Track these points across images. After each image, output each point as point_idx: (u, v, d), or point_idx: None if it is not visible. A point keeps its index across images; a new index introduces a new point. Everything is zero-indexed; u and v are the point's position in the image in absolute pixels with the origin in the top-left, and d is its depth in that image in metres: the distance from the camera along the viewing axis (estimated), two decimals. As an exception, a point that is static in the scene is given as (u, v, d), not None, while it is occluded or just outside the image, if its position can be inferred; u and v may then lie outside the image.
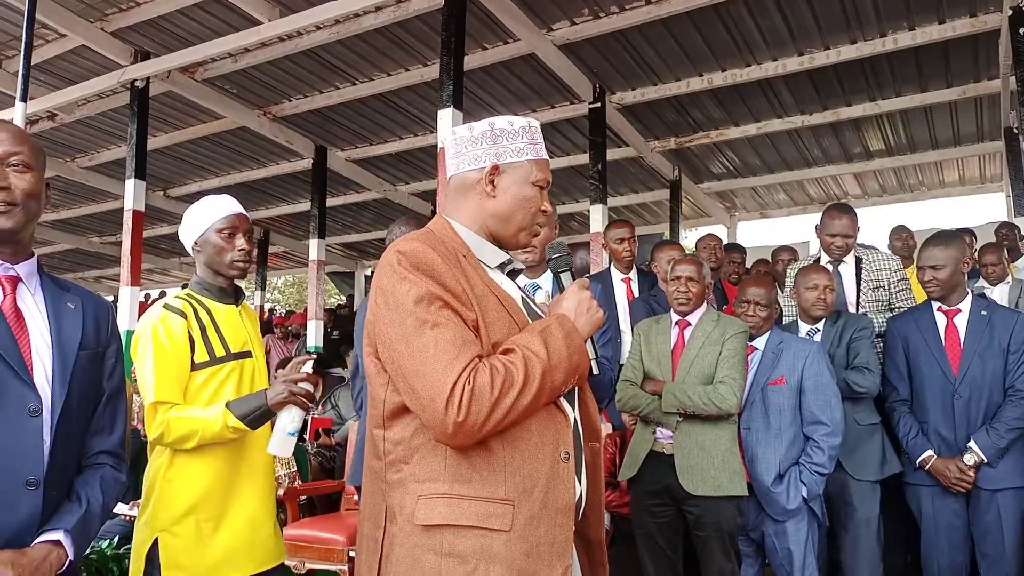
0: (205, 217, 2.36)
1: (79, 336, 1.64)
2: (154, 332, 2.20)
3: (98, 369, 1.69)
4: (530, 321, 1.53)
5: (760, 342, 3.40)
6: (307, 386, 2.19)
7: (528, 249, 2.65)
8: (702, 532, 3.01)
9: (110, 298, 15.49)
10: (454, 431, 1.33)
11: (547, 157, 1.64)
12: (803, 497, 3.15)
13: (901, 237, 6.36)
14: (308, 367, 2.23)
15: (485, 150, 1.58)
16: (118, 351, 1.77)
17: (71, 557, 1.54)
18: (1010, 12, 5.63)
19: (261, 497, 2.30)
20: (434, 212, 7.47)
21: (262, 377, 2.36)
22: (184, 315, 2.24)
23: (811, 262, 4.47)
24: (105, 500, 1.67)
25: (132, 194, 7.02)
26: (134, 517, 3.71)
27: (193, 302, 2.31)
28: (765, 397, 3.27)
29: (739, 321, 3.29)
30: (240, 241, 2.35)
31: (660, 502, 3.10)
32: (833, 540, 3.50)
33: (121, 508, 3.81)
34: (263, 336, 3.07)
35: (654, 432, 3.14)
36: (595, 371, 1.56)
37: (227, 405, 2.15)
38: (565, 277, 1.67)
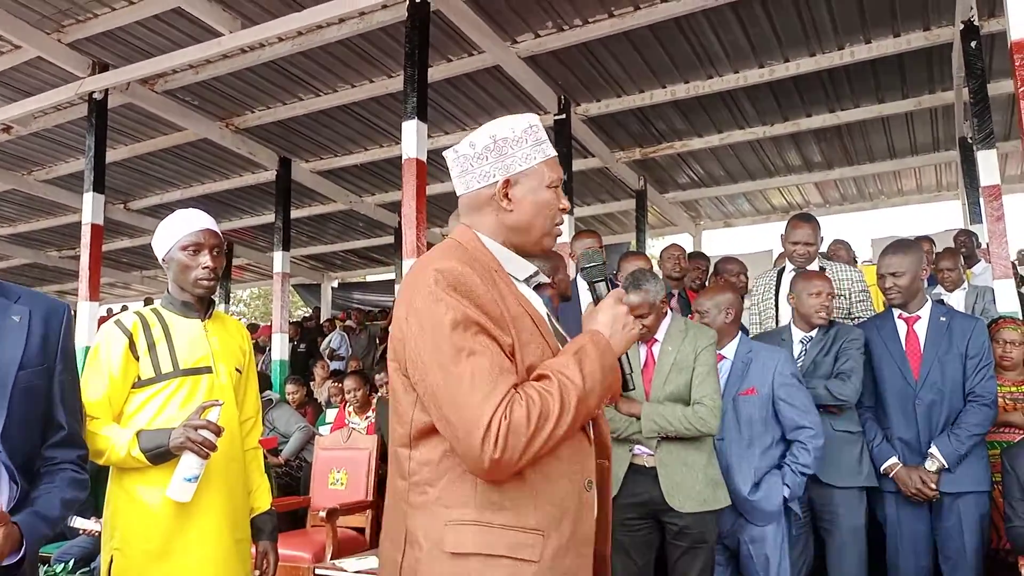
0: (171, 234, 2.34)
1: (19, 355, 1.60)
2: (95, 349, 2.25)
3: (46, 381, 1.66)
4: (557, 341, 1.49)
5: (729, 351, 3.35)
6: (208, 434, 2.11)
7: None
8: (683, 543, 2.96)
9: (69, 313, 15.15)
10: (490, 467, 1.28)
11: (555, 153, 1.59)
12: (784, 498, 3.13)
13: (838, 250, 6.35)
14: (214, 414, 2.16)
15: (492, 164, 1.52)
16: (69, 356, 1.74)
17: (26, 539, 1.51)
18: (962, 26, 5.80)
19: (223, 514, 2.26)
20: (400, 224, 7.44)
21: (223, 393, 2.32)
22: (129, 333, 2.23)
23: (773, 270, 4.55)
24: (65, 496, 1.65)
25: (90, 208, 6.87)
26: (95, 534, 3.64)
27: (151, 317, 2.30)
28: (737, 407, 3.23)
29: (707, 329, 3.21)
30: (204, 258, 2.32)
31: (637, 516, 3.01)
32: (819, 548, 3.50)
33: (84, 523, 3.72)
34: None
35: (631, 449, 3.08)
36: (630, 387, 1.53)
37: (137, 434, 2.13)
38: (600, 287, 1.60)
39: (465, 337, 1.33)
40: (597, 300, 1.56)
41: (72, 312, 1.74)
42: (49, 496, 1.62)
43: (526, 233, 1.54)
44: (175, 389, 2.24)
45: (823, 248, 4.85)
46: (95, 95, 6.98)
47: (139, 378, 2.23)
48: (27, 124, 8.12)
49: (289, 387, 7.14)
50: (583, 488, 1.43)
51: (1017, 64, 3.85)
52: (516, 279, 1.53)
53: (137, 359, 2.23)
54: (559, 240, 1.69)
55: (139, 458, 2.11)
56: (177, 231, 2.33)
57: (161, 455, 2.12)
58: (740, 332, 3.44)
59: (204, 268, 2.31)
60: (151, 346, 2.25)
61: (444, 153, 1.58)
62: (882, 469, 3.37)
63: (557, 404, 1.32)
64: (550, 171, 1.55)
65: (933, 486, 3.21)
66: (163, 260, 2.36)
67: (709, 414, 2.92)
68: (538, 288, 1.62)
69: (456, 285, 1.36)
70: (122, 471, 2.19)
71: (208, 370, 2.32)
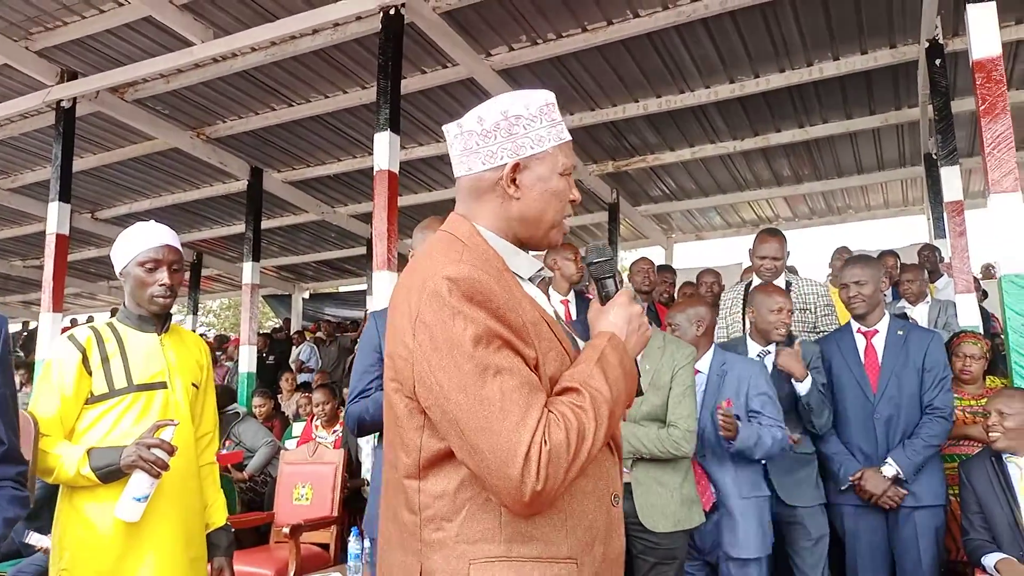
0: (129, 248, 2.30)
1: None
2: (48, 364, 2.21)
3: None
4: (572, 345, 1.36)
5: (703, 364, 3.34)
6: (160, 453, 2.09)
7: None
8: (651, 558, 2.93)
9: (34, 324, 14.88)
10: (532, 500, 1.13)
11: (570, 137, 1.40)
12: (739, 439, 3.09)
13: (842, 258, 6.47)
14: (168, 433, 2.13)
15: (500, 144, 1.33)
16: (7, 368, 1.69)
17: None
18: (927, 44, 5.92)
19: (176, 532, 2.23)
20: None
21: (178, 409, 2.29)
22: (82, 348, 2.20)
23: (740, 284, 4.60)
24: (6, 515, 1.59)
25: (56, 217, 6.77)
26: (47, 551, 3.57)
27: (106, 331, 2.27)
28: (716, 419, 3.21)
29: (685, 345, 3.19)
30: (162, 275, 2.29)
31: None
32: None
33: (39, 540, 3.65)
34: None
35: None
36: (641, 392, 1.39)
37: (88, 451, 2.10)
38: (609, 284, 1.46)
39: (488, 354, 1.18)
40: (605, 298, 1.44)
41: (8, 323, 1.70)
42: None
43: (534, 225, 1.37)
44: (129, 405, 2.21)
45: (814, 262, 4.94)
46: (63, 103, 6.89)
47: (92, 394, 2.19)
48: (-7, 131, 8.00)
49: (256, 400, 7.00)
50: (611, 504, 1.32)
51: (978, 83, 3.93)
52: (520, 277, 1.38)
53: (90, 374, 2.19)
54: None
55: (89, 476, 2.07)
56: (135, 246, 2.29)
57: (112, 473, 2.08)
58: (714, 345, 3.45)
59: (161, 285, 2.28)
60: (104, 361, 2.21)
61: (445, 128, 1.42)
62: (851, 479, 3.40)
63: (592, 420, 1.20)
64: (564, 157, 1.37)
65: (903, 492, 3.25)
66: (120, 273, 2.32)
67: (683, 438, 2.88)
68: (545, 285, 1.53)
69: (473, 295, 1.20)
70: (72, 489, 2.16)
71: (163, 385, 2.28)
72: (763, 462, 3.26)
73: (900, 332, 3.52)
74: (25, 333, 16.08)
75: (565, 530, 1.24)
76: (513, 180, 1.34)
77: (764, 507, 3.19)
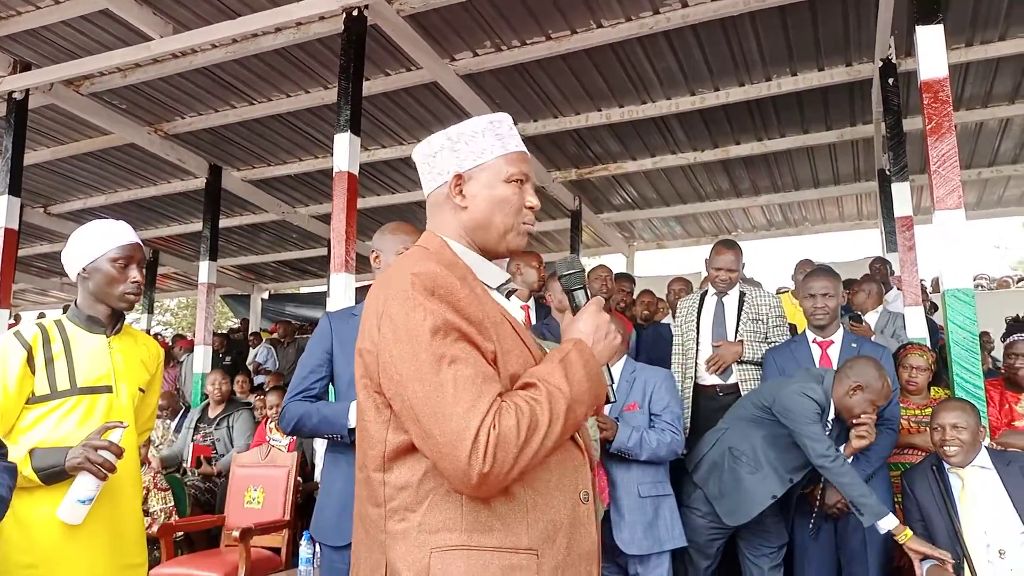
0: (98, 244, 2.26)
1: None
2: None
3: None
4: (538, 350, 1.42)
5: (615, 371, 3.52)
6: (108, 455, 2.07)
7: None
8: None
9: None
10: (479, 482, 1.19)
11: (521, 149, 1.50)
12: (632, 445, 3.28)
13: (805, 270, 6.57)
14: (117, 435, 2.11)
15: (445, 161, 1.45)
16: None
17: None
18: (880, 63, 6.07)
19: (108, 537, 2.19)
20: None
21: (122, 414, 2.25)
22: (28, 346, 2.15)
23: (697, 293, 4.67)
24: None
25: (4, 211, 6.57)
26: None
27: (53, 330, 2.21)
28: (621, 422, 3.38)
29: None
30: (134, 272, 2.28)
31: None
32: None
33: None
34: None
35: None
36: (612, 399, 1.45)
37: (30, 452, 2.06)
38: (579, 295, 1.53)
39: (445, 344, 1.24)
40: (576, 309, 1.51)
41: None
42: None
43: (485, 230, 1.45)
44: (71, 407, 2.17)
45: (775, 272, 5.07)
46: (15, 94, 6.71)
47: (34, 393, 2.14)
48: (-60, 121, 7.76)
49: (212, 377, 6.32)
50: (578, 501, 1.36)
51: (926, 103, 4.05)
52: (488, 286, 1.45)
53: (34, 373, 2.14)
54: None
55: (31, 477, 2.03)
56: (106, 242, 2.26)
57: (55, 475, 2.05)
58: (626, 355, 3.68)
59: (133, 282, 2.28)
60: (48, 361, 2.17)
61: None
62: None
63: (547, 413, 1.24)
64: (509, 165, 1.46)
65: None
66: (83, 270, 2.26)
67: None
68: (510, 296, 1.56)
69: (434, 289, 1.27)
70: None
71: (108, 389, 2.24)
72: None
73: (854, 345, 3.62)
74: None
75: (526, 522, 1.28)
76: (460, 191, 1.45)
77: (662, 505, 3.35)
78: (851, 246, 33.34)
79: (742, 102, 7.27)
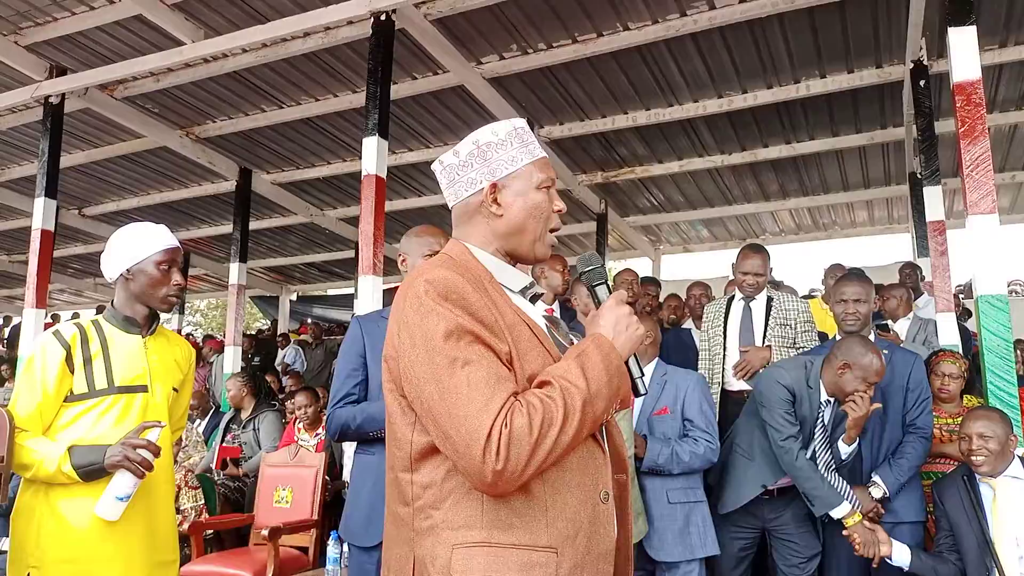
0: (143, 247, 2.30)
1: None
2: (31, 359, 2.21)
3: None
4: (558, 350, 1.43)
5: (647, 371, 3.45)
6: (146, 454, 2.11)
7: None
8: None
9: (17, 319, 14.76)
10: (493, 479, 1.21)
11: (544, 155, 1.53)
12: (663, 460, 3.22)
13: (836, 275, 6.49)
14: (154, 434, 2.15)
15: (478, 170, 1.47)
16: None
17: None
18: (912, 65, 6.00)
19: (143, 534, 2.23)
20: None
21: (157, 413, 2.29)
22: (67, 345, 2.19)
23: (724, 298, 4.63)
24: None
25: (41, 213, 6.73)
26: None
27: (91, 330, 2.26)
28: (651, 427, 3.35)
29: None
30: (176, 275, 2.33)
31: None
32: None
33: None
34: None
35: None
36: (641, 391, 1.47)
37: (70, 449, 2.11)
38: (601, 290, 1.53)
39: (459, 347, 1.27)
40: (598, 304, 1.51)
41: None
42: None
43: (519, 237, 1.48)
44: (108, 406, 2.21)
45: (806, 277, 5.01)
46: (51, 99, 6.86)
47: (72, 392, 2.19)
48: (-20, 125, 7.96)
49: (229, 382, 6.33)
50: (598, 500, 1.37)
51: (958, 105, 3.99)
52: (511, 290, 1.47)
53: (72, 372, 2.19)
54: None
55: (70, 474, 2.08)
56: (151, 245, 2.30)
57: (94, 472, 2.09)
58: (658, 358, 3.61)
59: (176, 284, 2.33)
60: (87, 360, 2.21)
61: (432, 166, 1.54)
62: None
63: (560, 409, 1.25)
64: (539, 172, 1.49)
65: (882, 510, 3.29)
66: (127, 271, 2.30)
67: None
68: (536, 300, 1.56)
69: (447, 294, 1.31)
70: (48, 487, 2.15)
71: (143, 388, 2.28)
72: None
73: (885, 352, 3.55)
74: (8, 329, 16.00)
75: (546, 521, 1.29)
76: (495, 199, 1.47)
77: (693, 512, 3.29)
78: (881, 250, 33.02)
79: (770, 104, 7.22)
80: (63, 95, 6.89)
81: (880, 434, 3.39)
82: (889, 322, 5.31)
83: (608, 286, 1.54)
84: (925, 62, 5.95)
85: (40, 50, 6.67)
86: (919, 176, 7.27)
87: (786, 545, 3.46)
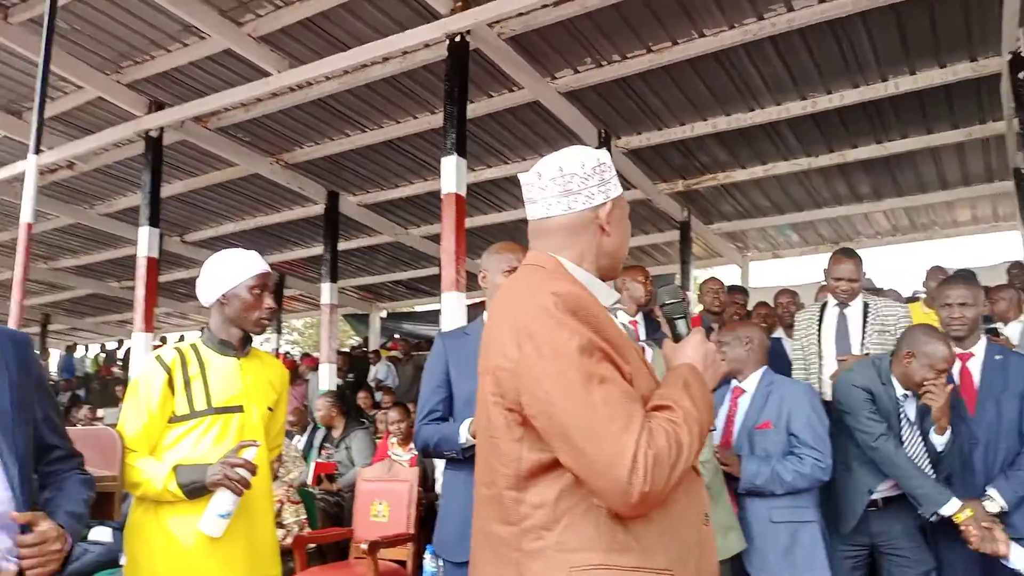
0: (236, 273, 2.39)
1: (8, 391, 1.73)
2: (135, 383, 2.33)
3: (33, 410, 1.81)
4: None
5: (750, 384, 3.31)
6: (244, 472, 2.19)
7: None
8: None
9: (128, 343, 15.61)
10: (640, 500, 1.19)
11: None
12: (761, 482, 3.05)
13: (937, 277, 6.21)
14: (251, 453, 2.23)
15: (597, 187, 1.47)
16: (43, 382, 1.90)
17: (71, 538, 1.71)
18: (1009, 56, 5.68)
19: (245, 549, 2.31)
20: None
21: (253, 432, 2.37)
22: (168, 368, 2.30)
23: (816, 304, 4.48)
24: (83, 495, 1.88)
25: (146, 241, 7.13)
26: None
27: (189, 354, 2.37)
28: (752, 442, 3.19)
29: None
30: (268, 299, 2.42)
31: None
32: None
33: (102, 535, 3.92)
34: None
35: None
36: (714, 427, 1.51)
37: (175, 468, 2.20)
38: (680, 324, 1.55)
39: (592, 363, 1.25)
40: (677, 337, 1.53)
41: (32, 344, 1.88)
42: (72, 497, 1.83)
43: (614, 257, 1.51)
44: (208, 427, 2.31)
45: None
46: (151, 133, 7.27)
47: (175, 413, 2.30)
48: (88, 161, 8.52)
49: (319, 403, 6.58)
50: (701, 522, 1.38)
51: (1063, 96, 3.76)
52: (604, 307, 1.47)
53: (174, 394, 2.30)
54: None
55: (176, 492, 2.18)
56: (244, 271, 2.39)
57: (197, 490, 2.19)
58: (766, 367, 3.38)
59: (268, 308, 2.41)
60: (187, 383, 2.32)
61: (523, 176, 1.54)
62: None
63: (686, 434, 1.26)
64: (625, 202, 1.56)
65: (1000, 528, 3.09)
66: (221, 297, 2.38)
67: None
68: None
69: (576, 309, 1.29)
70: (157, 504, 2.25)
71: (239, 409, 2.37)
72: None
73: (998, 357, 3.34)
74: (121, 351, 16.94)
75: (662, 543, 1.29)
76: (610, 218, 1.48)
77: (800, 531, 3.08)
78: (987, 250, 31.24)
79: (857, 104, 6.96)
80: (162, 128, 7.29)
81: (996, 444, 3.19)
82: (999, 325, 5.02)
83: (688, 321, 1.56)
84: (1023, 54, 5.62)
85: (139, 87, 7.10)
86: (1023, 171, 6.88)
87: (897, 562, 3.27)
